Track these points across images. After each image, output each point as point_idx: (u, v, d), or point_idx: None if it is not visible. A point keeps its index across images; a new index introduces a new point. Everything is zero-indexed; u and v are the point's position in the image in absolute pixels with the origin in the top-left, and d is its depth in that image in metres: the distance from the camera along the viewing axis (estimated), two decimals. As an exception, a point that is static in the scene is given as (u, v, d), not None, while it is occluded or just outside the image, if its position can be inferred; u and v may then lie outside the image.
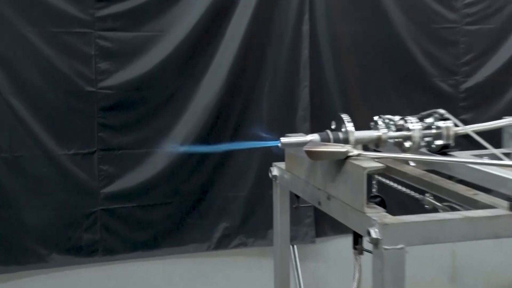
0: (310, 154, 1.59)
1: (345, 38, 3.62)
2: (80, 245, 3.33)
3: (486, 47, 3.83)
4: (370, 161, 1.54)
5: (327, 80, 3.62)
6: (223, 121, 3.42)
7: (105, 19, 3.22)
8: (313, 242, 3.62)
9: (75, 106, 3.23)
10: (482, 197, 1.57)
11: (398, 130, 1.76)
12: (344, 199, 1.58)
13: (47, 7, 3.13)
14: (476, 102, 3.82)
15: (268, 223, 3.27)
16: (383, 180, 1.99)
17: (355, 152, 1.55)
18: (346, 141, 1.67)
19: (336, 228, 3.62)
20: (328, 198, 1.67)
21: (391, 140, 1.77)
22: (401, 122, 1.77)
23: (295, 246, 3.59)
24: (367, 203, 1.48)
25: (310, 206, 1.87)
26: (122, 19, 3.25)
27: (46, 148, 3.19)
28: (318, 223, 3.62)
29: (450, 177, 1.75)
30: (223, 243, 3.53)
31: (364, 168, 1.48)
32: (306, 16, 3.48)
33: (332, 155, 1.58)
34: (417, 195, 1.84)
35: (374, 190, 1.97)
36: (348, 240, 1.85)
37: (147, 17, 3.28)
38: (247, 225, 3.55)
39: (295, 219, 3.51)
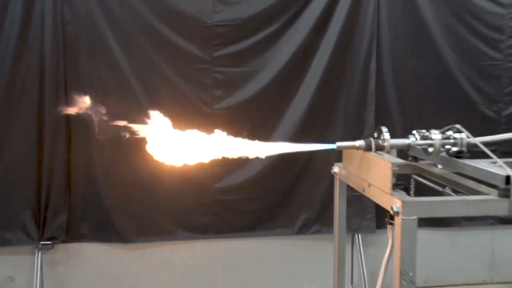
0: None
1: (406, 72, 3.75)
2: (198, 225, 3.66)
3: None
4: (397, 159, 1.80)
5: (390, 106, 3.75)
6: (306, 136, 3.64)
7: (220, 58, 3.56)
8: (373, 232, 3.74)
9: (197, 123, 3.54)
10: (483, 188, 1.80)
11: (423, 139, 1.98)
12: (378, 186, 1.84)
13: (178, 48, 3.49)
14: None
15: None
16: (419, 178, 2.22)
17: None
18: (383, 146, 1.93)
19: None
20: (369, 186, 1.92)
21: (419, 147, 1.99)
22: (427, 133, 2.00)
23: (359, 235, 3.72)
24: (393, 189, 1.74)
25: (359, 194, 2.07)
26: (232, 58, 3.58)
27: None
28: (378, 218, 3.74)
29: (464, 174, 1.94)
30: (303, 230, 3.75)
31: (392, 164, 1.76)
32: (374, 56, 3.67)
33: None
34: (440, 189, 2.03)
35: (411, 187, 2.18)
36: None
37: (250, 57, 3.60)
38: (322, 216, 3.73)
39: (360, 214, 3.69)
